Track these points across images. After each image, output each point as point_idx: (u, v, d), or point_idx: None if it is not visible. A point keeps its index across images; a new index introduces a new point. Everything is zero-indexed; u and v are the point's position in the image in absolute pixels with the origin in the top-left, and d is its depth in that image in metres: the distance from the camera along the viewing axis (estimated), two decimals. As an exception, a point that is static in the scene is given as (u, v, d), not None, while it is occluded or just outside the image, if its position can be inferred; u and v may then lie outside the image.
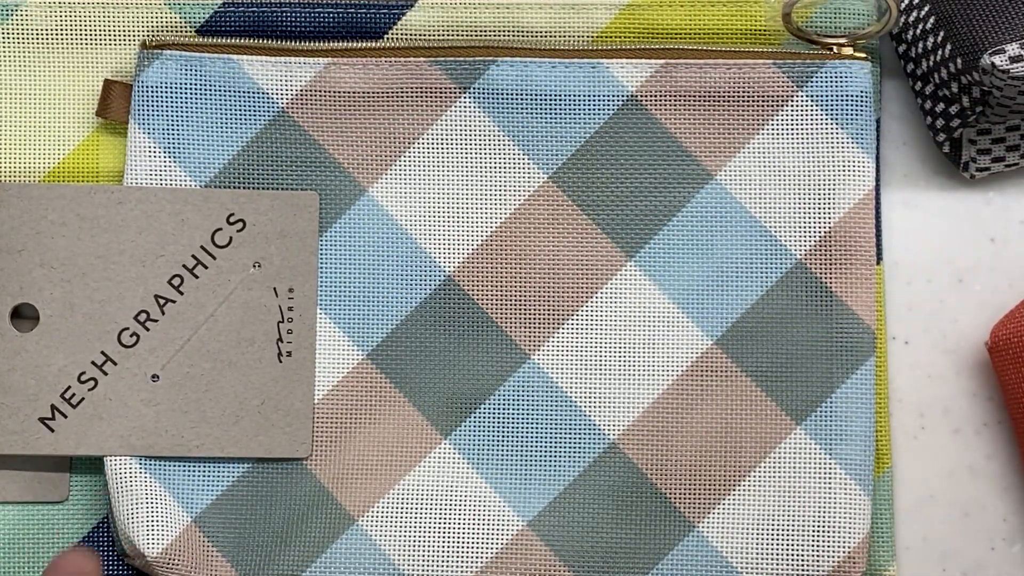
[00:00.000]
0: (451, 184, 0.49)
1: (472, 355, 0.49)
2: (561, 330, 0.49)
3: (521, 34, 0.50)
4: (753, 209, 0.49)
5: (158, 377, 0.48)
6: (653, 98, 0.49)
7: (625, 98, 0.49)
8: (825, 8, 0.50)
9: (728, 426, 0.48)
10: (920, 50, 0.49)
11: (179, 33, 0.50)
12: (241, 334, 0.48)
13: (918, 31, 0.49)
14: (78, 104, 0.50)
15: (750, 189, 0.49)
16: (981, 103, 0.47)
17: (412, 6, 0.50)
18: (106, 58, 0.50)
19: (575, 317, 0.49)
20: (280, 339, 0.49)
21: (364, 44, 0.49)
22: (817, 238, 0.48)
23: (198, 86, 0.49)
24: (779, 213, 0.49)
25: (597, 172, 0.49)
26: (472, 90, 0.49)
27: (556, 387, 0.49)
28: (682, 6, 0.50)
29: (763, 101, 0.49)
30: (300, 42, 0.50)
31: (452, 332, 0.49)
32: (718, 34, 0.50)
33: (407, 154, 0.49)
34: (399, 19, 0.50)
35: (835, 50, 0.49)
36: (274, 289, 0.49)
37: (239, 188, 0.49)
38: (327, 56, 0.49)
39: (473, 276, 0.49)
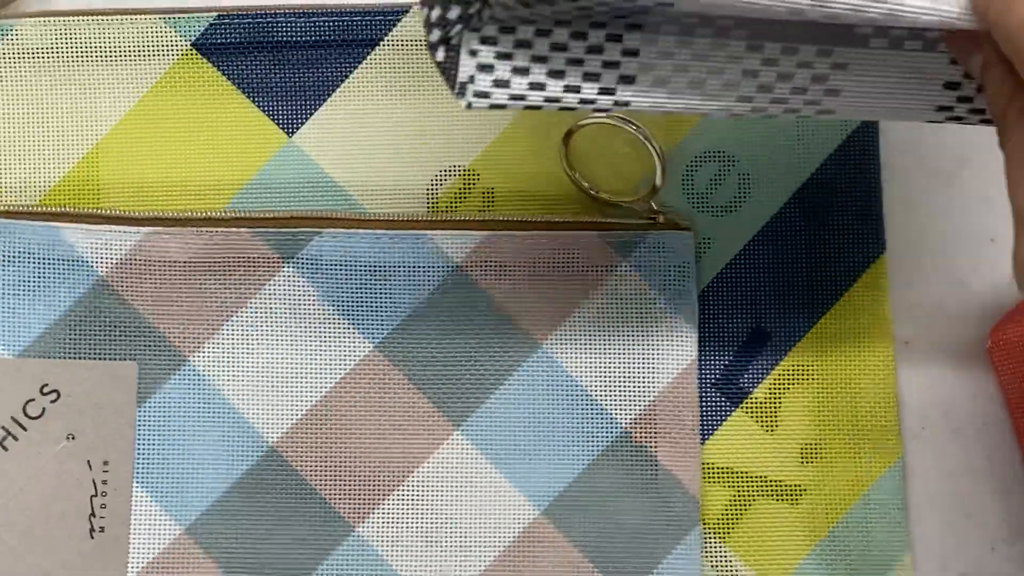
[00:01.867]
0: (275, 354, 0.49)
1: (295, 528, 0.48)
2: (387, 502, 0.48)
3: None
4: (579, 378, 0.49)
5: None
6: (478, 269, 0.49)
7: (450, 269, 0.49)
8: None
9: None
10: None
11: (175, 46, 0.50)
12: (51, 509, 0.47)
13: None
14: (77, 121, 0.50)
15: (576, 357, 0.49)
16: None
17: (407, 12, 0.50)
18: (104, 73, 0.50)
19: (401, 488, 0.49)
20: (93, 514, 0.48)
21: (187, 214, 0.49)
22: (642, 407, 0.49)
23: (16, 253, 0.48)
24: (605, 382, 0.49)
25: (424, 342, 0.49)
26: (295, 261, 0.49)
27: (383, 561, 0.48)
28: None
29: (587, 271, 0.49)
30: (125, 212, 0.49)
31: (275, 504, 0.48)
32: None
33: (229, 323, 0.49)
34: (393, 26, 0.50)
35: (659, 219, 0.49)
36: (88, 462, 0.48)
37: (56, 358, 0.48)
38: (149, 225, 0.48)
39: (297, 447, 0.49)
